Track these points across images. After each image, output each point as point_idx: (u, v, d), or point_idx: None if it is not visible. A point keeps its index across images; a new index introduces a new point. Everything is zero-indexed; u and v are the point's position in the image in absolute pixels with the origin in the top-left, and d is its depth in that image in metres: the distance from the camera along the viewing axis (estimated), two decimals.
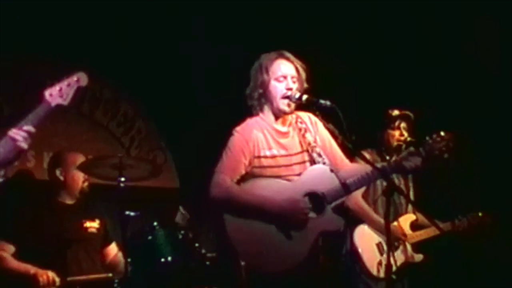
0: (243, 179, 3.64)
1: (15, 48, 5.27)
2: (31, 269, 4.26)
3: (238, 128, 3.69)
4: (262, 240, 3.53)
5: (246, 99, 3.74)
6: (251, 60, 3.80)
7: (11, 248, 4.36)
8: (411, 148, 3.77)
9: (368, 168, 3.64)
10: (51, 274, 4.21)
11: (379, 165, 3.82)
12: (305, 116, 3.78)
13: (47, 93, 3.14)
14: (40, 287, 4.18)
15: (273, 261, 3.53)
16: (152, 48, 5.74)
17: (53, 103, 3.14)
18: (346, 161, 3.83)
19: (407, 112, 4.77)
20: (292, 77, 3.63)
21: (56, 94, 3.14)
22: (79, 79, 3.20)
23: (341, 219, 3.61)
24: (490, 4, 5.28)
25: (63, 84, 3.17)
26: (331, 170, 3.65)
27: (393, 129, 4.74)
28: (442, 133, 3.68)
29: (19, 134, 3.03)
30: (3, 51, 5.07)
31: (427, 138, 3.71)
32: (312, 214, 3.60)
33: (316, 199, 3.60)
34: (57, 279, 4.22)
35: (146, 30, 5.66)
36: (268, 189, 3.59)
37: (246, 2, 5.69)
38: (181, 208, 4.62)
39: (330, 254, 3.83)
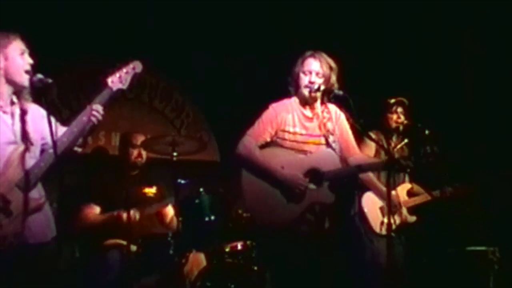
0: (268, 145, 4.06)
1: (74, 50, 5.61)
2: (114, 212, 4.71)
3: (273, 104, 4.11)
4: (266, 198, 3.95)
5: (287, 84, 4.16)
6: (278, 56, 4.27)
7: (97, 209, 4.82)
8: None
9: (373, 158, 4.20)
10: (132, 211, 4.62)
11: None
12: (333, 108, 4.17)
13: (109, 80, 3.43)
14: (124, 223, 4.62)
15: (271, 215, 3.94)
16: (198, 47, 6.20)
17: (114, 88, 3.43)
18: (357, 150, 4.25)
19: (402, 99, 5.06)
20: (317, 73, 4.04)
21: (117, 80, 3.44)
22: (135, 66, 3.49)
23: (333, 195, 4.00)
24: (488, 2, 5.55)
25: (122, 71, 3.46)
26: (340, 157, 4.08)
27: (391, 113, 5.06)
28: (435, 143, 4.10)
29: (87, 115, 3.33)
30: (63, 54, 5.48)
31: (426, 132, 4.26)
32: (312, 186, 4.00)
33: (317, 174, 4.00)
34: (137, 215, 4.65)
35: (194, 35, 6.12)
36: (282, 157, 4.01)
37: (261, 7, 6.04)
38: None
39: (335, 217, 4.20)
